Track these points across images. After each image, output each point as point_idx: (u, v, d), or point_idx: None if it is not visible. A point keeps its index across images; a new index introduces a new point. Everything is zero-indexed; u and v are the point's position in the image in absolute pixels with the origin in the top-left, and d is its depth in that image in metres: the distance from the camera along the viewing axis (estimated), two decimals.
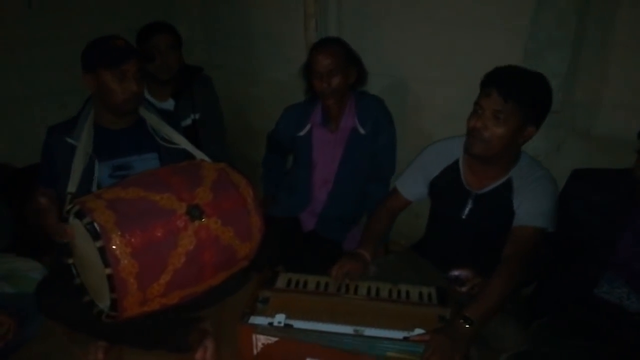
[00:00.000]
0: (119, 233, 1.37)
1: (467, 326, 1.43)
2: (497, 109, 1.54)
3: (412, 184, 1.89)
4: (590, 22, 1.84)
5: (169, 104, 2.45)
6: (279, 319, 1.51)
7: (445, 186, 1.80)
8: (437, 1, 2.16)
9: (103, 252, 1.35)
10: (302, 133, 2.20)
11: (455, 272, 1.68)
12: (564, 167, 1.94)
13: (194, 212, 1.49)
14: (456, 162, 1.79)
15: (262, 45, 2.88)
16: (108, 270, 1.35)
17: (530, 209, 1.63)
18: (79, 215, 1.41)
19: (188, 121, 2.48)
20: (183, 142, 1.91)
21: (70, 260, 1.55)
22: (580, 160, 1.93)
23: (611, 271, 1.56)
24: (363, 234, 1.92)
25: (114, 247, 1.36)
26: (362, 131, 2.10)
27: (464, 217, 1.76)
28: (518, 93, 1.52)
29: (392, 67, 2.37)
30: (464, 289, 1.65)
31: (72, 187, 1.73)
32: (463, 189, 1.76)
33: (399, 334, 1.46)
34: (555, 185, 1.69)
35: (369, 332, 1.48)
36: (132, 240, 1.38)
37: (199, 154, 1.89)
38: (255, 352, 1.50)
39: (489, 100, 1.55)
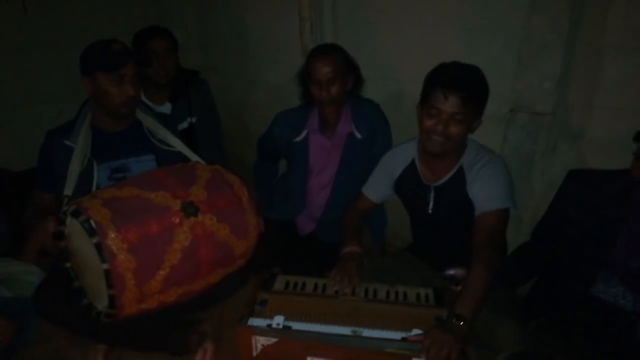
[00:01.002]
0: (115, 229, 1.38)
1: (461, 323, 1.43)
2: (456, 112, 1.59)
3: (376, 188, 2.00)
4: (583, 25, 1.86)
5: (166, 108, 2.46)
6: (278, 320, 1.51)
7: (408, 184, 1.89)
8: (431, 6, 2.18)
9: (99, 247, 1.35)
10: (298, 139, 2.20)
11: (451, 271, 1.69)
12: (557, 169, 1.97)
13: (189, 209, 1.50)
14: (413, 161, 1.88)
15: (258, 49, 2.90)
16: (105, 266, 1.35)
17: (485, 195, 1.68)
18: (75, 214, 1.41)
19: (185, 124, 2.50)
20: (178, 145, 1.93)
21: (68, 264, 1.55)
22: (573, 162, 1.96)
23: (607, 270, 1.57)
24: (345, 233, 1.95)
25: (109, 242, 1.36)
26: (358, 136, 2.11)
27: (430, 211, 1.83)
28: (475, 94, 1.60)
29: (387, 71, 2.39)
30: (459, 288, 1.66)
31: (68, 190, 1.74)
32: (423, 184, 1.83)
33: (397, 335, 1.46)
34: (502, 165, 1.74)
35: (367, 333, 1.48)
36: (128, 235, 1.39)
37: (194, 157, 1.90)
38: (254, 353, 1.50)
39: (447, 104, 1.59)
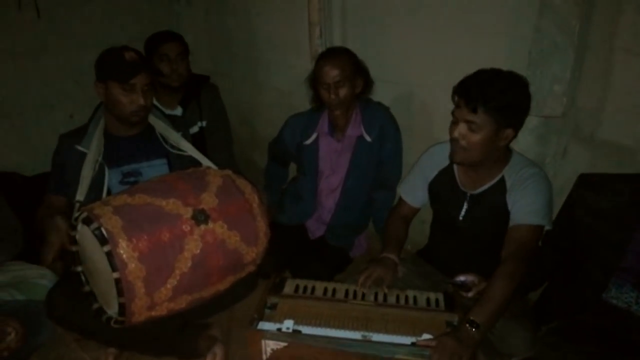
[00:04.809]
0: (126, 237, 1.39)
1: (473, 330, 1.42)
2: (468, 119, 1.56)
3: (414, 190, 1.93)
4: (593, 28, 1.85)
5: (177, 112, 2.48)
6: (288, 324, 1.51)
7: (442, 188, 1.83)
8: (441, 8, 2.17)
9: (110, 256, 1.37)
10: (308, 142, 2.21)
11: (461, 278, 1.68)
12: (568, 172, 1.96)
13: (200, 217, 1.51)
14: (451, 165, 1.81)
15: (267, 54, 2.90)
16: (115, 274, 1.36)
17: (524, 207, 1.63)
18: (87, 221, 1.43)
19: (195, 129, 2.51)
20: (189, 149, 1.94)
21: (80, 268, 1.56)
22: (583, 165, 1.94)
23: (619, 276, 1.56)
24: (385, 238, 1.92)
25: (121, 251, 1.37)
26: (368, 139, 2.11)
27: (460, 218, 1.78)
28: (484, 102, 1.52)
29: (397, 74, 2.38)
30: (470, 295, 1.65)
31: (80, 196, 1.76)
32: (458, 190, 1.78)
33: (407, 339, 1.46)
34: (548, 182, 1.69)
35: (377, 337, 1.48)
36: (139, 244, 1.40)
37: (205, 161, 1.91)
38: (264, 357, 1.50)
39: (460, 111, 1.58)
